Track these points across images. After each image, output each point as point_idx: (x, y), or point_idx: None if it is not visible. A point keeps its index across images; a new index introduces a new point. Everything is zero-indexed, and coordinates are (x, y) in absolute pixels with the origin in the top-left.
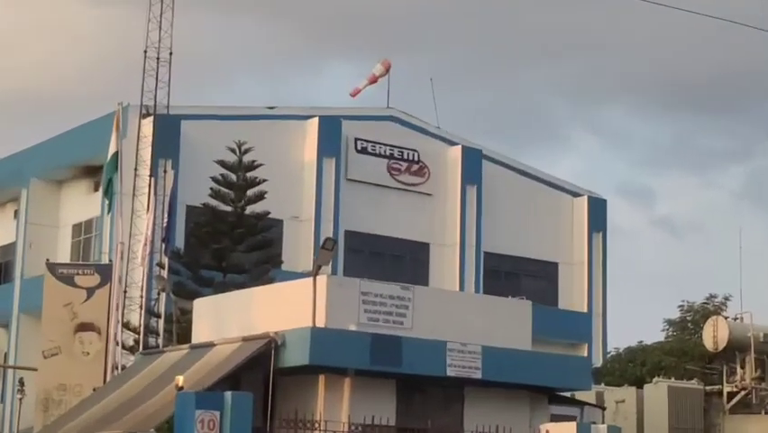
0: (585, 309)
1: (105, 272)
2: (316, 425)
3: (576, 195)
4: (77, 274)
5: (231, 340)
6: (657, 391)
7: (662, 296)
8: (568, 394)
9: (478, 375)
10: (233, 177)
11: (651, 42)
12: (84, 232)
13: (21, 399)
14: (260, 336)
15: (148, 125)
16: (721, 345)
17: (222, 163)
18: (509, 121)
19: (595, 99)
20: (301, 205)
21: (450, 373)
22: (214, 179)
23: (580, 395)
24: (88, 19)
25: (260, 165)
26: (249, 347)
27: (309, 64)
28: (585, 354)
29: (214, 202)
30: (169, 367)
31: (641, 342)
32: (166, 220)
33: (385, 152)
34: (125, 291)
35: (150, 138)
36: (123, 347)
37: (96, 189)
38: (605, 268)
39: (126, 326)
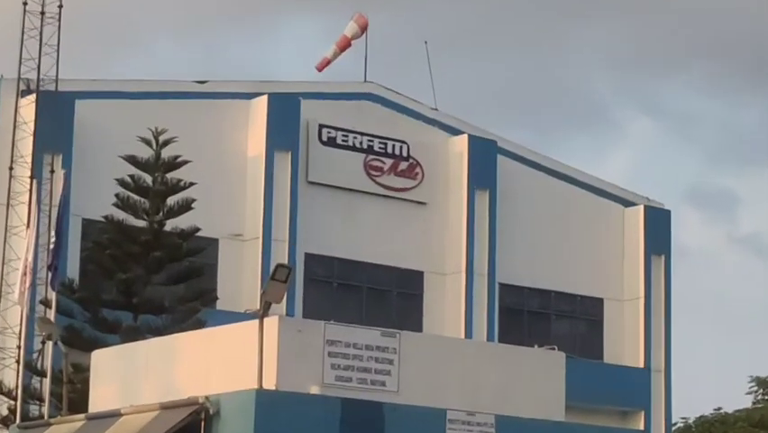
0: (641, 364)
1: None
2: None
3: (628, 204)
4: None
5: (145, 408)
6: None
7: (749, 344)
8: None
9: None
10: (148, 179)
11: None
12: None
13: None
14: (186, 401)
15: (29, 107)
16: None
17: (132, 160)
18: (533, 101)
19: (653, 70)
20: (243, 218)
21: None
22: (122, 183)
23: None
24: None
25: (187, 162)
26: (170, 418)
27: (256, 23)
28: (641, 427)
29: (121, 214)
30: None
31: (719, 409)
32: (54, 240)
33: (361, 143)
34: None
35: (32, 125)
36: None
37: None
38: (669, 306)
39: None
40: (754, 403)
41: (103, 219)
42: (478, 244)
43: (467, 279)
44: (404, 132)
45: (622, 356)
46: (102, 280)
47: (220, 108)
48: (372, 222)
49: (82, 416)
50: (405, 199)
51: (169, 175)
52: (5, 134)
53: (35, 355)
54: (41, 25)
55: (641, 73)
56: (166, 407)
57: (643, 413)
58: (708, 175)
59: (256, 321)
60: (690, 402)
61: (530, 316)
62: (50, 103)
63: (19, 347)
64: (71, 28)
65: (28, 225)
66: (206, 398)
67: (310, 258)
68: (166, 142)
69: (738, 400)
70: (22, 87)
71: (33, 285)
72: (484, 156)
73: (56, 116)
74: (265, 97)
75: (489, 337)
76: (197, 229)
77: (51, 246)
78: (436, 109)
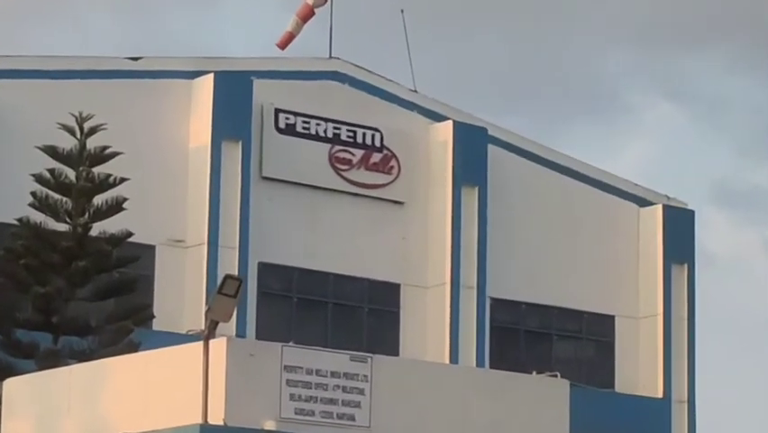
0: (660, 394)
1: None
2: None
3: (644, 203)
4: None
5: None
6: None
7: None
8: None
9: None
10: (71, 174)
11: None
12: None
13: None
14: None
15: None
16: None
17: (52, 151)
18: (531, 82)
19: (674, 46)
20: (185, 221)
21: None
22: (39, 179)
23: None
24: None
25: (118, 154)
26: None
27: None
28: None
29: (38, 216)
30: None
31: None
32: None
33: (325, 131)
34: None
35: None
36: None
37: None
38: (692, 324)
39: None
40: None
41: (16, 222)
42: (465, 251)
43: (452, 292)
44: (376, 118)
45: (637, 384)
46: (15, 295)
47: (157, 90)
48: (339, 225)
49: None
50: (378, 198)
51: (95, 169)
52: None
53: None
54: None
55: (659, 50)
56: None
57: None
58: (739, 170)
59: (200, 343)
60: None
61: (527, 336)
62: None
63: None
64: None
65: None
66: None
67: (265, 268)
68: (92, 130)
69: None
70: None
71: None
72: (473, 146)
73: None
74: (211, 77)
75: (479, 362)
76: (130, 234)
77: None
78: (415, 91)
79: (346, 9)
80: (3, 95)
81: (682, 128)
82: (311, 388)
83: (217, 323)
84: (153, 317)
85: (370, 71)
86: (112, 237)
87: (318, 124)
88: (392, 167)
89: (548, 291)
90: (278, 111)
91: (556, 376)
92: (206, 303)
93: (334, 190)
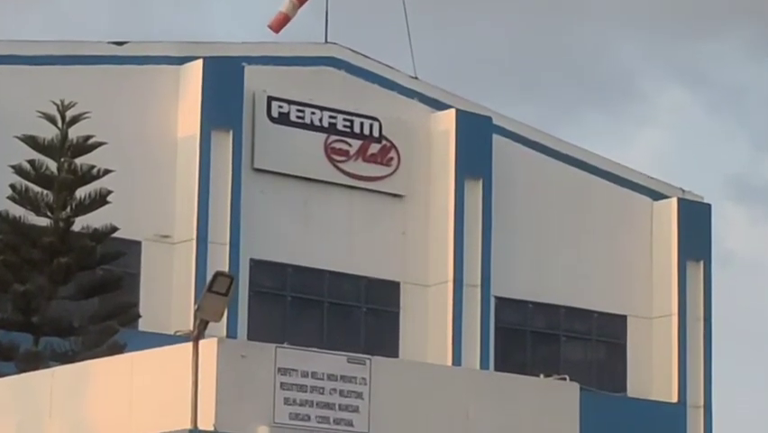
0: (675, 399)
1: None
2: None
3: (658, 196)
4: None
5: None
6: None
7: None
8: None
9: None
10: (53, 165)
11: None
12: None
13: None
14: None
15: None
16: None
17: (31, 141)
18: (538, 69)
19: (690, 31)
20: (173, 215)
21: None
22: (18, 171)
23: None
24: None
25: (102, 144)
26: None
27: None
28: None
29: (18, 210)
30: None
31: None
32: None
33: (321, 120)
34: None
35: None
36: None
37: None
38: (709, 325)
39: None
40: None
41: None
42: (468, 247)
43: (454, 291)
44: (375, 106)
45: (650, 388)
46: None
47: (143, 76)
48: (335, 220)
49: None
50: (376, 191)
51: (78, 160)
52: None
53: None
54: None
55: (674, 35)
56: None
57: None
58: (759, 162)
59: (189, 344)
60: None
61: (534, 337)
62: None
63: None
64: None
65: None
66: None
67: (257, 265)
68: (74, 119)
69: None
70: None
71: None
72: (476, 136)
73: None
74: (200, 62)
75: (483, 364)
76: (115, 229)
77: None
78: (416, 78)
79: None
80: None
81: (698, 117)
82: (306, 391)
83: (207, 323)
84: (139, 316)
85: (368, 57)
86: (95, 232)
87: (313, 113)
88: (391, 158)
89: (556, 290)
90: (270, 99)
91: (565, 379)
92: (196, 302)
93: (330, 183)
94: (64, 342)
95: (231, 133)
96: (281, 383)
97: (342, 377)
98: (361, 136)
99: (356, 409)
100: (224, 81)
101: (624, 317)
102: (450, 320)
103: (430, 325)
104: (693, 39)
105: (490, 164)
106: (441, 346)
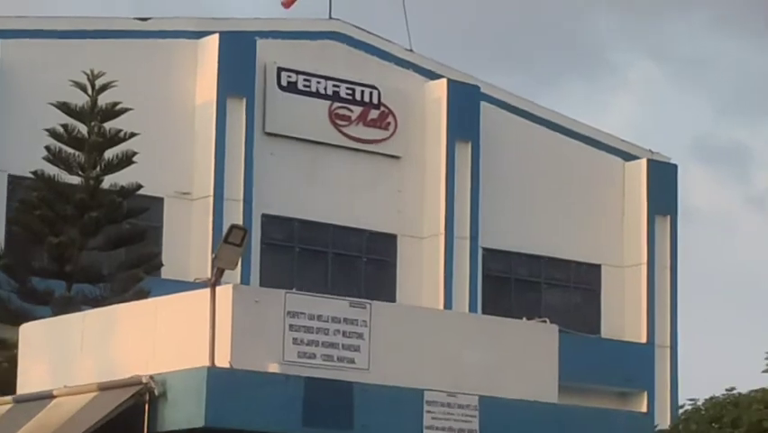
0: (643, 339)
1: None
2: None
3: (629, 157)
4: None
5: (81, 389)
6: None
7: (766, 317)
8: None
9: None
10: (83, 129)
11: None
12: None
13: None
14: (128, 381)
15: None
16: None
17: (64, 107)
18: (522, 42)
19: (658, 7)
20: (192, 174)
21: None
22: (53, 134)
23: None
24: None
25: (127, 110)
26: (109, 400)
27: None
28: (644, 409)
29: (52, 169)
30: None
31: (732, 390)
32: None
33: (326, 89)
34: None
35: None
36: None
37: None
38: (675, 273)
39: None
40: None
41: (31, 175)
42: (458, 203)
43: (446, 243)
44: (374, 76)
45: (622, 330)
46: (31, 244)
47: (165, 49)
48: (339, 178)
49: (9, 398)
50: (375, 153)
51: (106, 124)
52: None
53: None
54: None
55: (643, 11)
56: (105, 387)
57: (645, 394)
58: (721, 126)
59: (207, 290)
60: (699, 382)
61: (518, 284)
62: None
63: None
64: None
65: None
66: (151, 377)
67: (268, 219)
68: (103, 87)
69: (754, 379)
70: None
71: None
72: (466, 103)
73: None
74: (216, 36)
75: (472, 308)
76: (140, 186)
77: None
78: (411, 50)
79: None
80: (17, 54)
81: (665, 86)
82: (313, 332)
83: (223, 271)
84: (162, 265)
85: (368, 32)
86: (122, 189)
87: (318, 82)
88: (389, 123)
89: (538, 242)
90: (280, 69)
91: (545, 322)
92: (213, 252)
93: (334, 145)
94: (94, 288)
95: (244, 100)
96: (290, 325)
97: (345, 320)
98: (361, 103)
99: (357, 349)
100: (238, 53)
101: (598, 267)
102: (442, 269)
103: (424, 273)
104: (660, 15)
105: (478, 128)
106: (433, 293)
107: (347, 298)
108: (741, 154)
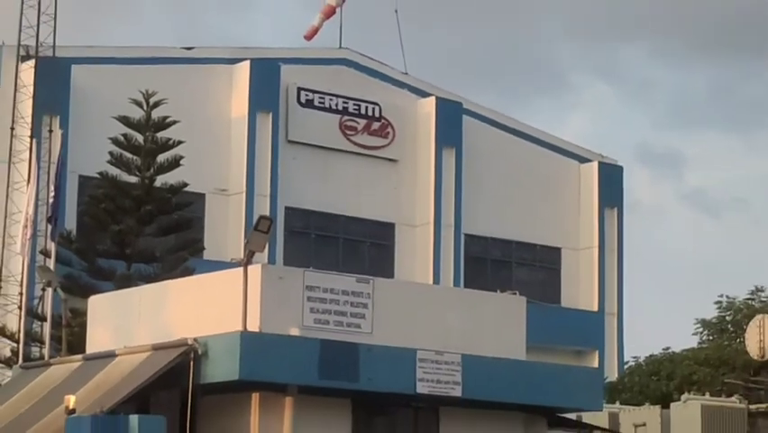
0: (595, 308)
1: None
2: None
3: (584, 160)
4: None
5: (137, 349)
6: (688, 410)
7: (694, 290)
8: (573, 416)
9: (457, 392)
10: (140, 138)
11: None
12: None
13: None
14: (176, 343)
15: (28, 72)
16: None
17: (125, 120)
18: (498, 67)
19: (608, 39)
20: (228, 174)
21: (421, 389)
22: (115, 142)
23: (588, 417)
24: None
25: (175, 122)
26: (161, 358)
27: None
28: (595, 365)
29: (114, 171)
30: (58, 384)
31: (667, 349)
32: (53, 194)
33: (337, 105)
34: None
35: (31, 88)
36: None
37: None
38: (621, 255)
39: (1, 332)
40: (699, 343)
41: (98, 175)
42: (445, 197)
43: (435, 230)
44: (376, 94)
45: (577, 301)
46: (97, 231)
47: (206, 73)
48: (347, 178)
49: (79, 357)
50: (377, 157)
51: (158, 134)
52: (7, 97)
53: (36, 301)
54: None
55: (598, 42)
56: (157, 348)
57: (597, 353)
58: (658, 136)
59: (240, 269)
60: (641, 343)
61: (493, 264)
62: (47, 68)
63: (21, 294)
64: None
65: (28, 181)
66: (195, 340)
67: (290, 211)
68: (156, 104)
69: (685, 340)
70: (22, 53)
71: (34, 236)
72: (451, 117)
73: (53, 80)
74: (247, 63)
75: (456, 284)
76: (185, 184)
77: (50, 201)
78: (406, 73)
79: (352, 8)
80: (87, 77)
81: (613, 103)
82: (326, 303)
83: (253, 253)
84: (203, 248)
85: (371, 58)
86: (171, 187)
87: (331, 100)
88: (388, 132)
89: (509, 229)
90: (299, 89)
91: (515, 294)
92: (245, 238)
93: (343, 151)
94: (148, 267)
95: (270, 114)
96: (308, 297)
97: (353, 293)
98: (365, 117)
99: (363, 316)
100: (266, 76)
101: (558, 249)
102: (431, 251)
103: (417, 254)
104: (611, 47)
105: (461, 137)
106: (425, 270)
107: (354, 275)
108: (674, 159)
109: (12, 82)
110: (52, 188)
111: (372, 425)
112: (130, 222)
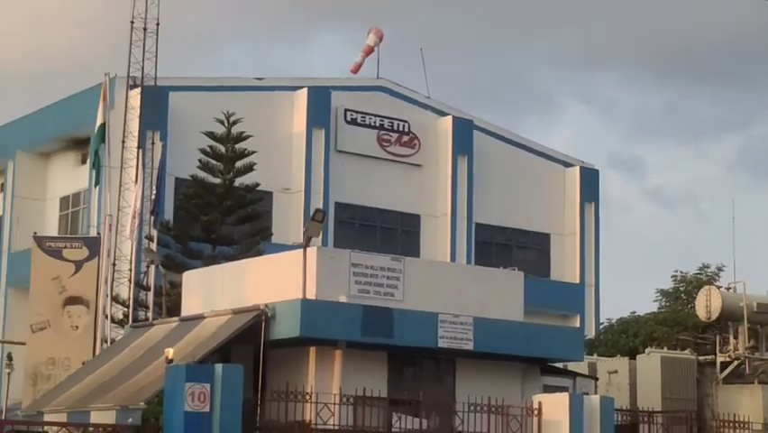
0: (577, 281)
1: (93, 245)
2: (307, 397)
3: (568, 165)
4: (66, 248)
5: (221, 313)
6: (650, 361)
7: (655, 267)
8: (560, 365)
9: (470, 347)
10: (222, 148)
11: (641, 9)
12: (71, 205)
13: (9, 373)
14: (251, 308)
15: (135, 97)
16: (714, 315)
17: (210, 135)
18: (501, 91)
19: (586, 67)
20: (290, 177)
21: (441, 344)
22: (203, 151)
23: (572, 366)
24: None
25: (249, 137)
26: (239, 320)
27: (297, 34)
28: (577, 326)
29: (202, 174)
30: (159, 340)
31: (634, 313)
32: (154, 192)
33: (375, 122)
34: (114, 264)
35: (138, 110)
36: (113, 321)
37: (84, 162)
38: (597, 239)
39: (115, 299)
40: (659, 308)
41: (190, 178)
42: (459, 194)
43: (452, 220)
44: (406, 114)
45: (563, 275)
46: (189, 221)
47: (273, 98)
48: (383, 179)
49: (176, 319)
50: (406, 163)
51: (236, 146)
52: (119, 117)
53: (142, 276)
54: (144, 38)
55: (578, 70)
56: (236, 312)
57: (578, 316)
58: (625, 145)
59: (301, 250)
60: (613, 308)
61: (497, 247)
62: (150, 94)
63: (130, 270)
64: (165, 38)
65: (136, 182)
66: (266, 305)
67: (339, 205)
68: (234, 122)
69: (648, 306)
70: (131, 83)
71: (140, 225)
72: (464, 131)
73: (155, 103)
74: (305, 90)
75: (468, 262)
76: (257, 184)
77: (153, 197)
78: (429, 97)
79: (387, 46)
80: (182, 101)
81: (590, 119)
82: (367, 277)
83: (311, 238)
84: (272, 234)
85: (402, 86)
86: (246, 187)
87: (370, 118)
88: (415, 144)
89: (510, 218)
90: (346, 110)
91: (515, 270)
92: (304, 226)
93: (380, 158)
94: (229, 249)
95: (323, 130)
96: (353, 272)
97: (389, 268)
98: (397, 132)
99: (396, 287)
100: (320, 100)
101: (548, 235)
102: (449, 236)
103: (438, 239)
104: (589, 73)
105: (472, 147)
106: (444, 252)
107: (389, 255)
108: (638, 164)
109: (123, 105)
110: (154, 188)
111: (403, 372)
112: (214, 214)
